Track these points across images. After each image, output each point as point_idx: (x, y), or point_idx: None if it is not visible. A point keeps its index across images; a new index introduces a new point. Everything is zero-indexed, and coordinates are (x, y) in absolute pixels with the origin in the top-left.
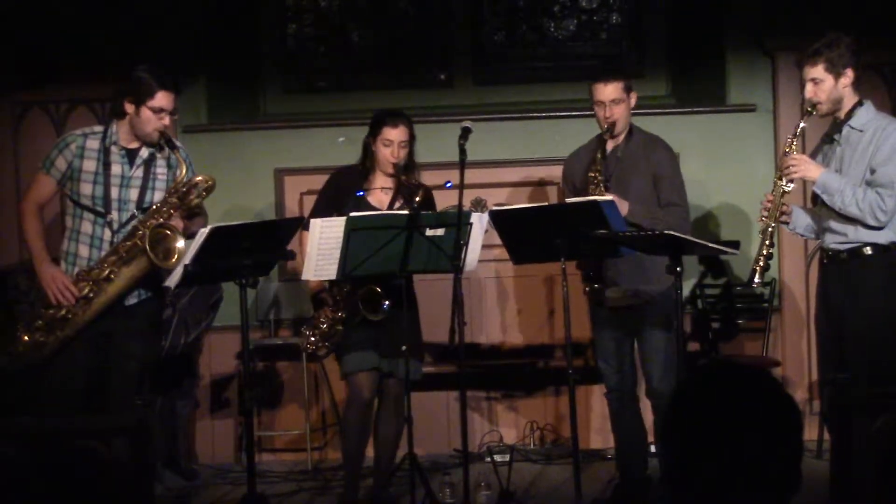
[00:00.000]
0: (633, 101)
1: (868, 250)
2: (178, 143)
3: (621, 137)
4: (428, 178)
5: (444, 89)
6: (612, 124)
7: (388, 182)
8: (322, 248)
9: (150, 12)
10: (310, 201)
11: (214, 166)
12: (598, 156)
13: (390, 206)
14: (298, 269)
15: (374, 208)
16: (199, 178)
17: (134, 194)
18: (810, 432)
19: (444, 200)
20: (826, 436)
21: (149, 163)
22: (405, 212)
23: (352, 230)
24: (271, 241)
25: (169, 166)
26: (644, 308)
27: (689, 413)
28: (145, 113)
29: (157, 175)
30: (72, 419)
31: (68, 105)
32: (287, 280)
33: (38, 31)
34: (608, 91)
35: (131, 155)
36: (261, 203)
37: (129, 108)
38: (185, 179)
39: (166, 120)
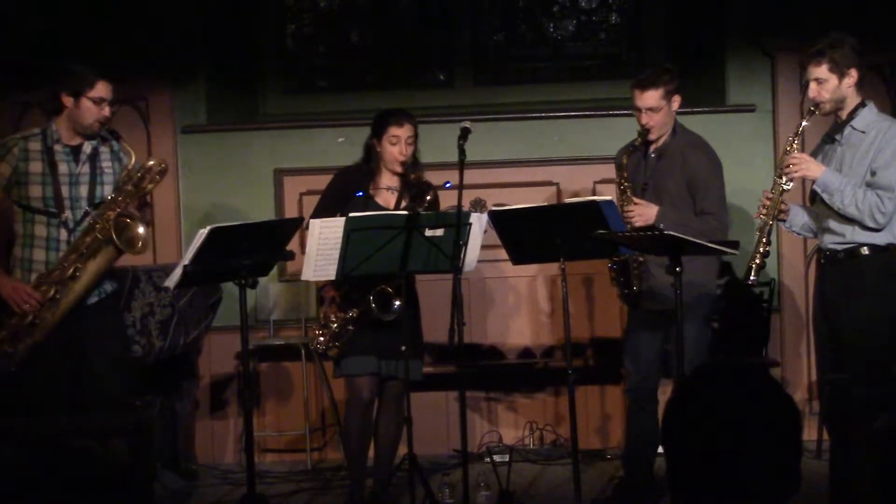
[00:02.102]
0: (675, 106)
1: (865, 251)
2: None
3: (663, 138)
4: (428, 177)
5: (444, 89)
6: (647, 131)
7: (395, 182)
8: (321, 248)
9: (150, 12)
10: (309, 201)
11: (214, 166)
12: (624, 162)
13: (397, 206)
14: (298, 270)
15: (381, 208)
16: (152, 162)
17: (84, 191)
18: (810, 432)
19: (444, 201)
20: (825, 436)
21: (93, 158)
22: (404, 212)
23: (351, 230)
24: (271, 241)
25: (114, 160)
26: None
27: (689, 413)
28: (85, 104)
29: (104, 169)
30: (72, 419)
31: None
32: (286, 280)
33: (38, 31)
34: (645, 99)
35: (75, 152)
36: (260, 203)
37: (68, 101)
38: (136, 166)
39: (106, 110)
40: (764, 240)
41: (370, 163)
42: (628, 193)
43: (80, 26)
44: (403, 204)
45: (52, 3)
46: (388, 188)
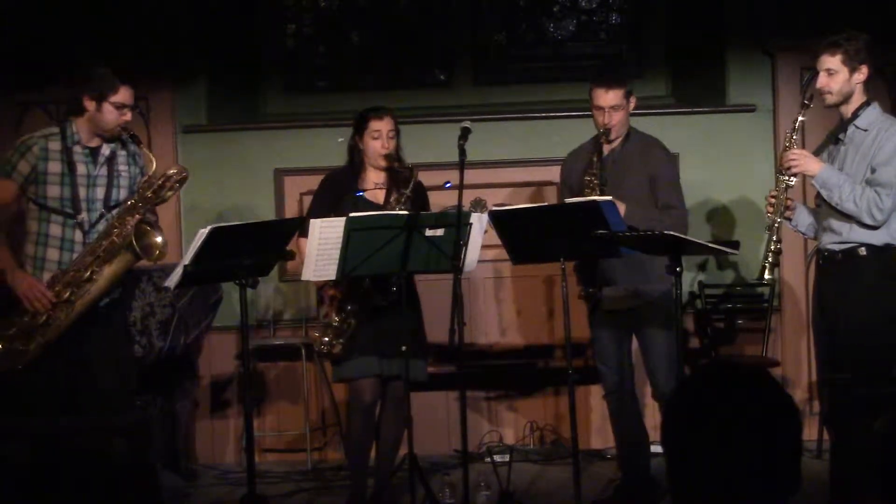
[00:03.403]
0: (632, 106)
1: (863, 251)
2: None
3: (618, 140)
4: (428, 178)
5: (444, 89)
6: (609, 130)
7: (381, 177)
8: (322, 248)
9: (150, 13)
10: (309, 201)
11: (214, 166)
12: (595, 159)
13: (386, 200)
14: (298, 269)
15: (371, 204)
16: (173, 170)
17: (100, 193)
18: (810, 432)
19: (444, 200)
20: (826, 436)
21: (111, 160)
22: (404, 212)
23: (352, 230)
24: (271, 241)
25: (130, 163)
26: (644, 309)
27: (688, 413)
28: (107, 108)
29: (121, 172)
30: (72, 419)
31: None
32: (286, 280)
33: (38, 31)
34: (609, 98)
35: (94, 154)
36: (260, 203)
37: (90, 104)
38: (156, 173)
39: (128, 115)
40: (774, 238)
41: (354, 162)
42: (596, 192)
43: (80, 26)
44: (393, 198)
45: (52, 4)
46: (376, 184)
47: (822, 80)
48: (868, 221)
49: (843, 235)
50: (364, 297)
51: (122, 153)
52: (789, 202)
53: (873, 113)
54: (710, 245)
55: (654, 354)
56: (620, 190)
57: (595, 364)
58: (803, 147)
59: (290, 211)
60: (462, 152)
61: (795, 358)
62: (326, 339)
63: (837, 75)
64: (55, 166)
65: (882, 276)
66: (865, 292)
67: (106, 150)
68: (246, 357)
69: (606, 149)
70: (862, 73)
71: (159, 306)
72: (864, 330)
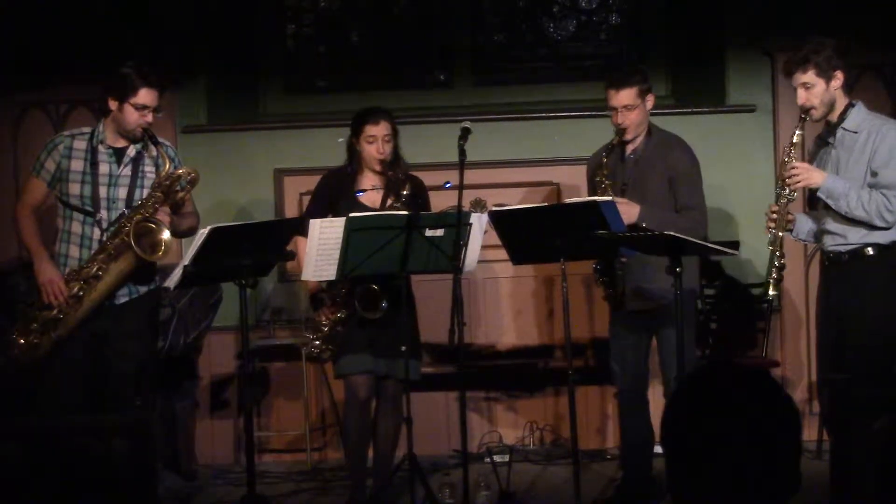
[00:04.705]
0: (649, 105)
1: (869, 251)
2: (163, 140)
3: (640, 139)
4: (428, 178)
5: (444, 89)
6: (624, 130)
7: (378, 180)
8: (322, 248)
9: (150, 13)
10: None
11: (214, 166)
12: (604, 160)
13: (383, 204)
14: (297, 270)
15: (367, 208)
16: (182, 170)
17: (123, 193)
18: (810, 433)
19: (444, 201)
20: (825, 436)
21: (137, 161)
22: (405, 212)
23: (352, 230)
24: (271, 241)
25: (157, 164)
26: (662, 309)
27: (688, 413)
28: (128, 110)
29: (146, 173)
30: (72, 419)
31: (68, 105)
32: (286, 280)
33: (38, 31)
34: (620, 97)
35: (119, 154)
36: (260, 203)
37: (113, 104)
38: (168, 173)
39: (149, 117)
40: (778, 253)
41: (352, 162)
42: (609, 192)
43: (80, 26)
44: (389, 202)
45: (51, 4)
46: (373, 187)
47: (801, 97)
48: (879, 224)
49: (849, 237)
50: (352, 308)
51: (149, 154)
52: (790, 216)
53: (860, 113)
54: (710, 245)
55: (669, 354)
56: (643, 191)
57: (595, 364)
58: (801, 156)
59: (290, 211)
60: (462, 152)
61: (795, 358)
62: (317, 342)
63: (815, 88)
64: (78, 164)
65: (891, 275)
66: (877, 292)
67: (132, 150)
68: (246, 357)
69: (629, 149)
70: (838, 80)
71: (159, 306)
72: (875, 330)
